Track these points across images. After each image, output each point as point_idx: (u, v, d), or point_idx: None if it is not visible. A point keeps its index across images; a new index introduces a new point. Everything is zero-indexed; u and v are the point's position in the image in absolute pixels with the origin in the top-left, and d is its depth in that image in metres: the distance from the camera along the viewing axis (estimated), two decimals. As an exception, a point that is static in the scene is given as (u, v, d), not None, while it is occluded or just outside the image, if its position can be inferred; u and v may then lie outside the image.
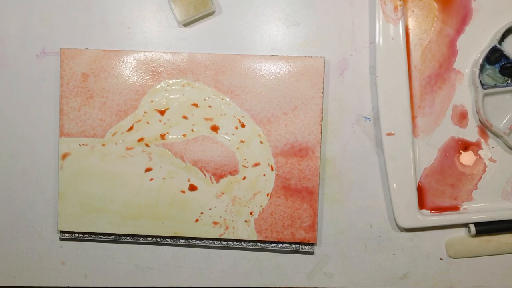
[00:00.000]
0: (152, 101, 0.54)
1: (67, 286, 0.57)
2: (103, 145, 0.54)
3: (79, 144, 0.54)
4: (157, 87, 0.54)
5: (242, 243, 0.55)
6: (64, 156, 0.54)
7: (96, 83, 0.54)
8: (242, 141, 0.54)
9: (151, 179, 0.54)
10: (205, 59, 0.53)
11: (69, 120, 0.54)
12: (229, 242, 0.55)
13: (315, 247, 0.55)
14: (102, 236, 0.55)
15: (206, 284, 0.56)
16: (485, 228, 0.53)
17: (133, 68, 0.54)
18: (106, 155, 0.54)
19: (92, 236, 0.55)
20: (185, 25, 0.55)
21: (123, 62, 0.54)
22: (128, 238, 0.55)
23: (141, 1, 0.55)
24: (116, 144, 0.54)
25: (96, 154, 0.54)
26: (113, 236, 0.55)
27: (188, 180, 0.54)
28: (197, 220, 0.54)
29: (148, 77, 0.54)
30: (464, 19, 0.54)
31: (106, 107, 0.54)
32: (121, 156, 0.54)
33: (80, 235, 0.55)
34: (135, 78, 0.54)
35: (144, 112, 0.54)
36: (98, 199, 0.54)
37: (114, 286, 0.57)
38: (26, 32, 0.55)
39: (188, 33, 0.55)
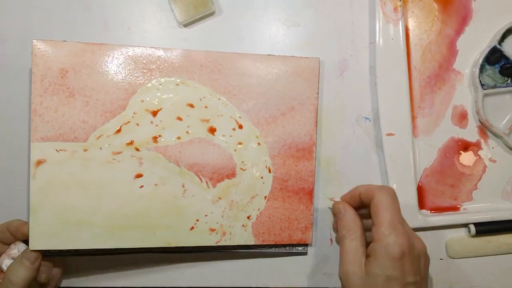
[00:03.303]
0: (142, 101, 0.49)
1: (67, 286, 0.54)
2: (85, 150, 0.48)
3: (56, 150, 0.48)
4: (148, 85, 0.49)
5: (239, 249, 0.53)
6: (38, 163, 0.48)
7: (77, 80, 0.48)
8: (239, 143, 0.51)
9: (141, 186, 0.49)
10: (200, 56, 0.50)
11: (43, 122, 0.48)
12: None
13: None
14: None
15: (206, 284, 0.55)
16: (485, 228, 0.53)
17: (120, 64, 0.49)
18: (88, 161, 0.48)
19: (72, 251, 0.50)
20: (185, 25, 0.54)
21: (109, 57, 0.49)
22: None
23: (141, 1, 0.54)
24: (101, 148, 0.49)
25: (77, 161, 0.48)
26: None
27: (183, 186, 0.50)
28: (192, 228, 0.50)
29: (138, 75, 0.49)
30: (464, 20, 0.54)
31: (90, 107, 0.48)
32: (107, 162, 0.49)
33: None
34: (123, 75, 0.49)
35: (134, 113, 0.49)
36: (78, 211, 0.48)
37: (115, 286, 0.54)
38: (26, 32, 0.53)
39: (188, 33, 0.54)
